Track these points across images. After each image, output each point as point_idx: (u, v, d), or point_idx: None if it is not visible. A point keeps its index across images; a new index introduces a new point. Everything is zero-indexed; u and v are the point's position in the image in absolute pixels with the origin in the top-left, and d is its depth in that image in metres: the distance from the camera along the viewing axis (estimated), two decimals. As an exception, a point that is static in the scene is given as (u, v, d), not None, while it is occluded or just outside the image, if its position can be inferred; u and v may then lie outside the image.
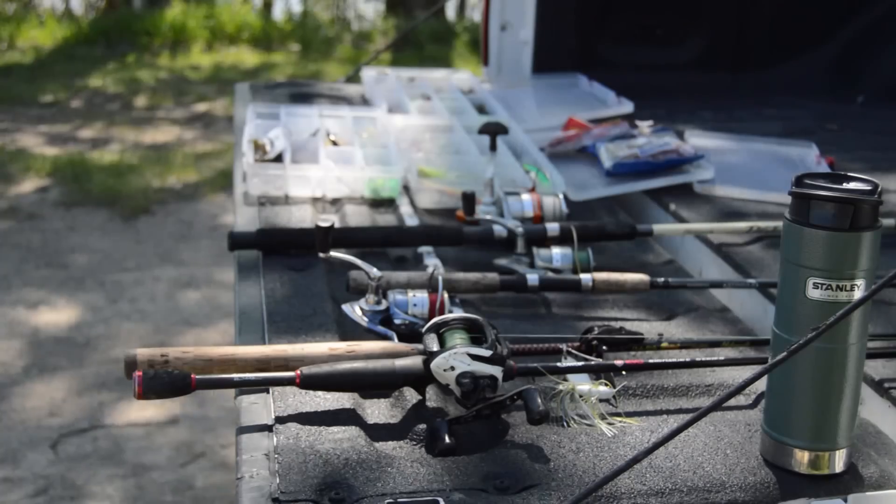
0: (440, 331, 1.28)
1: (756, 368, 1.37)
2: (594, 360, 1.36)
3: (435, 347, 1.24)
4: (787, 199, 1.13)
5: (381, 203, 2.05)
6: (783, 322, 1.14)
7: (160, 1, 10.75)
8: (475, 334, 1.27)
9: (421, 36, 9.84)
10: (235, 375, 1.21)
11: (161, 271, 4.53)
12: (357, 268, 1.49)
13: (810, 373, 1.12)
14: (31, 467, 3.00)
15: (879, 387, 1.34)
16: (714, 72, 3.50)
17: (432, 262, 1.72)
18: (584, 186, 2.16)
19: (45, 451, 3.10)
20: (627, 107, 2.74)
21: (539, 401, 1.18)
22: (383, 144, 2.27)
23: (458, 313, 1.30)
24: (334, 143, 2.29)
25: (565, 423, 1.24)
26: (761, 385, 1.20)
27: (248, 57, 9.50)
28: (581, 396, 1.27)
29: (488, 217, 1.84)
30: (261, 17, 10.90)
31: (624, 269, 1.67)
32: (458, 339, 1.25)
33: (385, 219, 1.97)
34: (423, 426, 1.21)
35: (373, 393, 1.29)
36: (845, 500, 1.12)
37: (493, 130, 2.05)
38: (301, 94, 2.94)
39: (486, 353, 1.21)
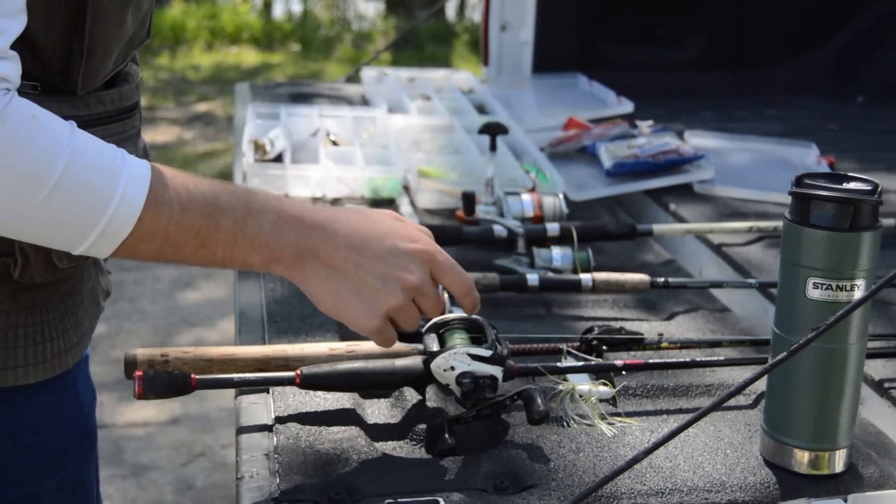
0: (440, 331, 1.28)
1: (756, 368, 1.37)
2: (594, 360, 1.36)
3: (435, 347, 1.24)
4: (787, 199, 1.13)
5: (381, 203, 2.05)
6: (783, 322, 1.14)
7: (160, 1, 10.76)
8: (475, 334, 1.27)
9: (421, 36, 9.84)
10: (235, 375, 1.21)
11: (161, 271, 4.54)
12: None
13: (810, 373, 1.12)
14: (31, 467, 3.00)
15: (879, 387, 1.34)
16: (714, 72, 3.50)
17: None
18: (584, 186, 2.16)
19: (45, 451, 3.10)
20: (627, 107, 2.74)
21: (539, 401, 1.18)
22: (383, 144, 2.27)
23: (458, 313, 1.30)
24: (334, 143, 2.29)
25: (565, 424, 1.24)
26: (761, 385, 1.20)
27: (248, 57, 9.50)
28: (581, 396, 1.27)
29: (488, 217, 1.84)
30: (261, 17, 10.91)
31: (624, 269, 1.67)
32: (457, 339, 1.25)
33: (385, 219, 1.97)
34: (423, 426, 1.21)
35: (373, 393, 1.29)
36: (845, 500, 1.12)
37: (493, 130, 2.05)
38: (301, 94, 2.94)
39: (486, 353, 1.21)
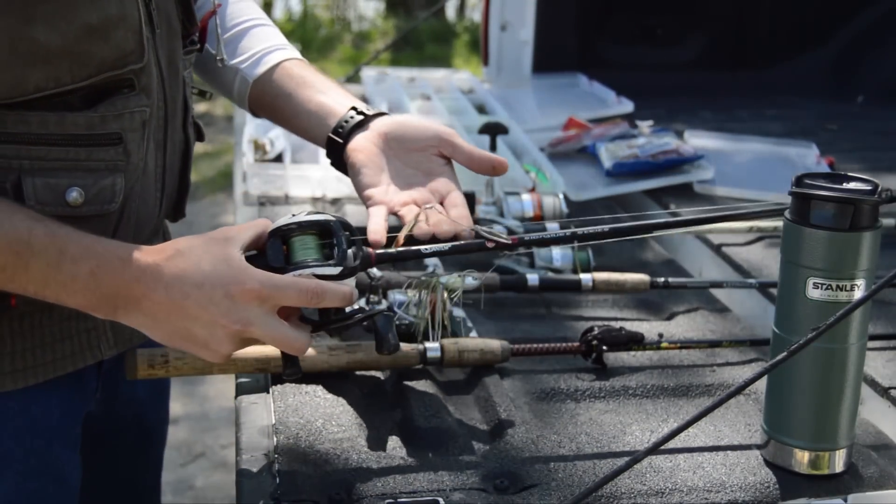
0: (286, 238, 1.12)
1: (756, 368, 1.37)
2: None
3: (279, 261, 1.09)
4: (787, 199, 1.13)
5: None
6: (783, 322, 1.14)
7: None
8: (326, 240, 1.12)
9: (421, 36, 9.84)
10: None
11: (161, 271, 4.51)
12: (357, 268, 1.49)
13: (810, 373, 1.12)
14: (31, 467, 3.00)
15: (879, 387, 1.34)
16: (714, 72, 3.50)
17: (432, 262, 1.72)
18: (584, 186, 2.16)
19: (45, 451, 3.09)
20: (627, 107, 2.75)
21: (393, 330, 1.12)
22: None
23: (305, 216, 1.13)
24: (334, 143, 2.28)
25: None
26: (761, 385, 1.20)
27: (248, 57, 9.47)
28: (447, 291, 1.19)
29: (488, 217, 1.84)
30: (261, 17, 10.86)
31: (624, 269, 1.67)
32: (305, 248, 1.11)
33: (385, 219, 1.97)
34: (423, 427, 1.21)
35: (373, 393, 1.29)
36: (845, 500, 1.12)
37: (493, 130, 2.05)
38: (301, 94, 2.93)
39: (335, 271, 1.09)
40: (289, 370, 1.13)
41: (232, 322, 1.02)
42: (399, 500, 1.06)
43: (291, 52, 1.40)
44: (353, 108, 1.30)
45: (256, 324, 1.02)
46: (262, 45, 1.39)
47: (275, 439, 1.17)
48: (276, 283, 1.03)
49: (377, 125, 1.28)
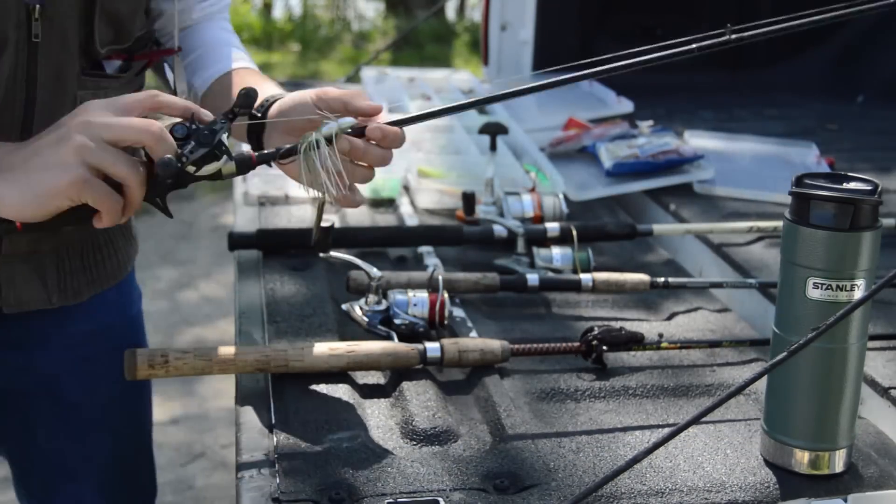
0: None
1: (756, 368, 1.37)
2: None
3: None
4: (787, 199, 1.13)
5: (381, 203, 2.06)
6: (783, 322, 1.14)
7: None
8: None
9: (421, 36, 9.85)
10: None
11: (161, 271, 4.54)
12: (357, 268, 1.49)
13: (810, 373, 1.12)
14: (31, 467, 3.00)
15: (879, 387, 1.34)
16: (714, 72, 3.50)
17: (432, 262, 1.72)
18: (584, 186, 2.16)
19: (45, 451, 3.09)
20: (627, 107, 2.75)
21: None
22: (383, 144, 2.26)
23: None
24: (334, 143, 2.28)
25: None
26: (761, 385, 1.20)
27: (248, 57, 9.48)
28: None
29: (488, 217, 1.84)
30: (261, 17, 10.90)
31: (624, 269, 1.67)
32: None
33: (385, 219, 1.98)
34: (423, 427, 1.21)
35: (373, 393, 1.29)
36: (845, 500, 1.12)
37: (493, 130, 2.05)
38: (301, 94, 2.93)
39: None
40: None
41: (74, 116, 1.05)
42: (399, 500, 1.06)
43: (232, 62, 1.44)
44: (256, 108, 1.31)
45: (99, 111, 1.06)
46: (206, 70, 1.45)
47: (275, 439, 1.17)
48: (105, 121, 1.05)
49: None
